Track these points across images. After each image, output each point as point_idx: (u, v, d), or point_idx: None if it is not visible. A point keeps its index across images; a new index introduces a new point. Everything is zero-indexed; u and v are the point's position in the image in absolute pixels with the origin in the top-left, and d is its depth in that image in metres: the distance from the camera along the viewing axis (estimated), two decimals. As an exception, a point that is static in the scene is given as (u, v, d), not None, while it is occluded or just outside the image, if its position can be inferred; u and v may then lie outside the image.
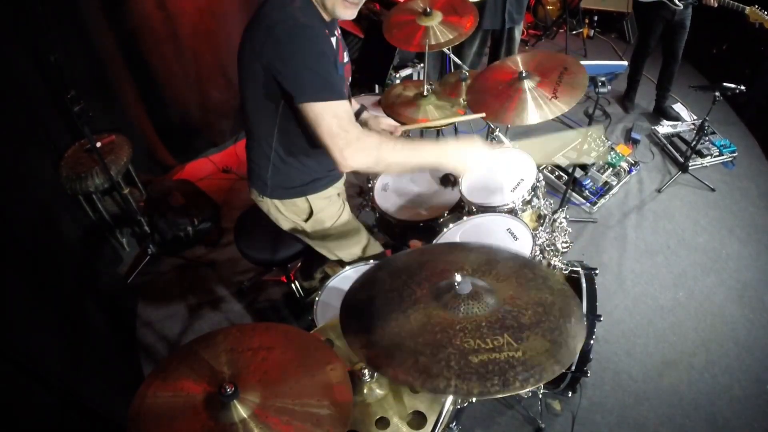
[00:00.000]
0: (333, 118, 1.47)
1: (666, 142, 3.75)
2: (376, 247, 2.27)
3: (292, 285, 2.54)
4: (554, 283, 1.21)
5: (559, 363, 0.97)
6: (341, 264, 2.13)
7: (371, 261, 2.05)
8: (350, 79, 1.75)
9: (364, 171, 1.54)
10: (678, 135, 3.75)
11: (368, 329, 1.08)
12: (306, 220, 1.94)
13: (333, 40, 1.60)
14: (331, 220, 2.00)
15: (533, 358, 0.97)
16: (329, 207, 1.96)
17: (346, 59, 1.71)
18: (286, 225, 1.99)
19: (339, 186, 2.00)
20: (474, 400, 2.04)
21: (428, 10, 2.48)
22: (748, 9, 3.16)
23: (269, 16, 1.48)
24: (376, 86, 3.63)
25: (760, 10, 3.12)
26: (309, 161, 1.79)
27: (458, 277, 1.11)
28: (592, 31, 5.03)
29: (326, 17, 1.56)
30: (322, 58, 1.48)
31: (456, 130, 3.62)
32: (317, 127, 1.48)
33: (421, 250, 1.36)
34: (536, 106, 2.03)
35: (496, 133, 2.72)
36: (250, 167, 1.88)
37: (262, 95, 1.57)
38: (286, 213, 1.92)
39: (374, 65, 3.61)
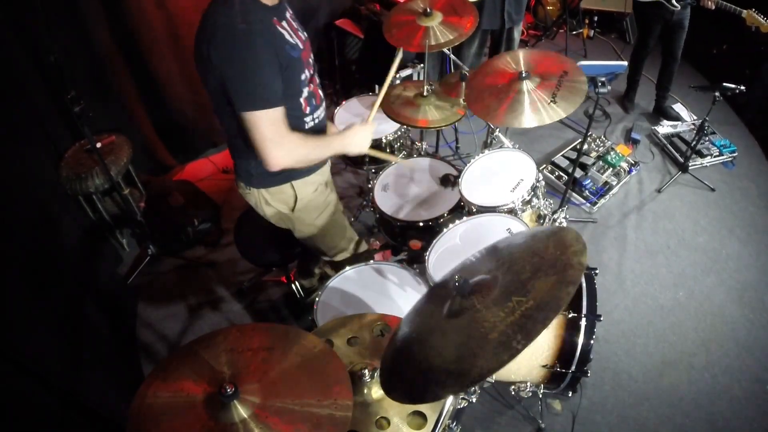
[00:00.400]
0: (270, 125, 1.54)
1: (666, 142, 3.75)
2: (363, 246, 2.28)
3: (293, 285, 2.54)
4: (539, 232, 1.23)
5: (571, 284, 0.97)
6: (332, 265, 2.13)
7: (371, 261, 2.05)
8: (312, 57, 1.76)
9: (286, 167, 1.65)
10: (678, 135, 3.75)
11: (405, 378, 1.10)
12: (293, 209, 1.94)
13: (284, 23, 1.61)
14: (318, 210, 2.00)
15: (544, 297, 0.98)
16: (316, 195, 1.97)
17: (304, 37, 1.72)
18: (274, 218, 1.99)
19: (324, 172, 2.01)
20: (474, 399, 2.04)
21: (428, 10, 2.48)
22: (745, 12, 3.16)
23: (213, 17, 1.49)
24: (376, 86, 3.63)
25: (758, 14, 3.12)
26: None
27: (457, 278, 1.11)
28: (592, 31, 5.03)
29: (269, 2, 1.57)
30: (264, 64, 1.50)
31: (456, 131, 3.62)
32: (253, 133, 1.55)
33: (419, 311, 1.37)
34: (533, 110, 2.02)
35: (496, 133, 2.73)
36: (235, 162, 1.89)
37: (221, 95, 1.59)
38: (273, 203, 1.92)
39: (374, 65, 3.61)
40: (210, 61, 1.49)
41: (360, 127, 1.85)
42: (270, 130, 1.54)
